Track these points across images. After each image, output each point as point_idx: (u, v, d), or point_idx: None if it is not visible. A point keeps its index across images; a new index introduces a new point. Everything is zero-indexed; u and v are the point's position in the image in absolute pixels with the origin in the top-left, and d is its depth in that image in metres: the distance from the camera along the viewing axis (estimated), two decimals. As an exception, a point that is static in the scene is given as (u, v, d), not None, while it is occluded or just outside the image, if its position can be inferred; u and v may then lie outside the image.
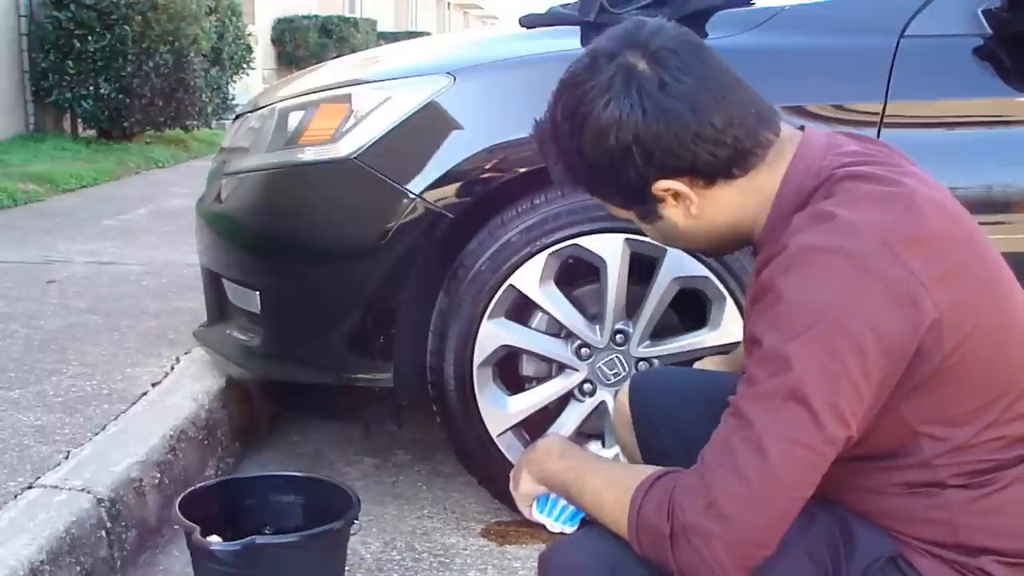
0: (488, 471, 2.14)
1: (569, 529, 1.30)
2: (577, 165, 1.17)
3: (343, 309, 2.14)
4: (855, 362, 1.01)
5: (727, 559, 1.03)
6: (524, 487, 1.32)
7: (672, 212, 1.17)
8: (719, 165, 1.12)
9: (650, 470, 1.14)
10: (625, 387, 1.56)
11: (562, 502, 1.32)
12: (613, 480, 1.17)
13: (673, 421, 1.44)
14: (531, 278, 2.04)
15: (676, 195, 1.15)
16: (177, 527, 1.73)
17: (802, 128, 1.19)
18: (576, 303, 2.09)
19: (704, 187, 1.14)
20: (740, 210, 1.16)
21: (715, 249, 1.28)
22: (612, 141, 1.11)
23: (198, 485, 1.89)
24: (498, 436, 2.11)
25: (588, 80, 1.12)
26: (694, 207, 1.16)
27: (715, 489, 1.03)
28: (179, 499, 1.73)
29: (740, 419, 1.05)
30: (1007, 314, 1.10)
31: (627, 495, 1.11)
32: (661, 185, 1.14)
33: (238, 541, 1.60)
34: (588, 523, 1.25)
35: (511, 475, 1.36)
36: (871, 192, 1.07)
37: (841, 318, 1.01)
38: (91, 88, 7.28)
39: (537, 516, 1.33)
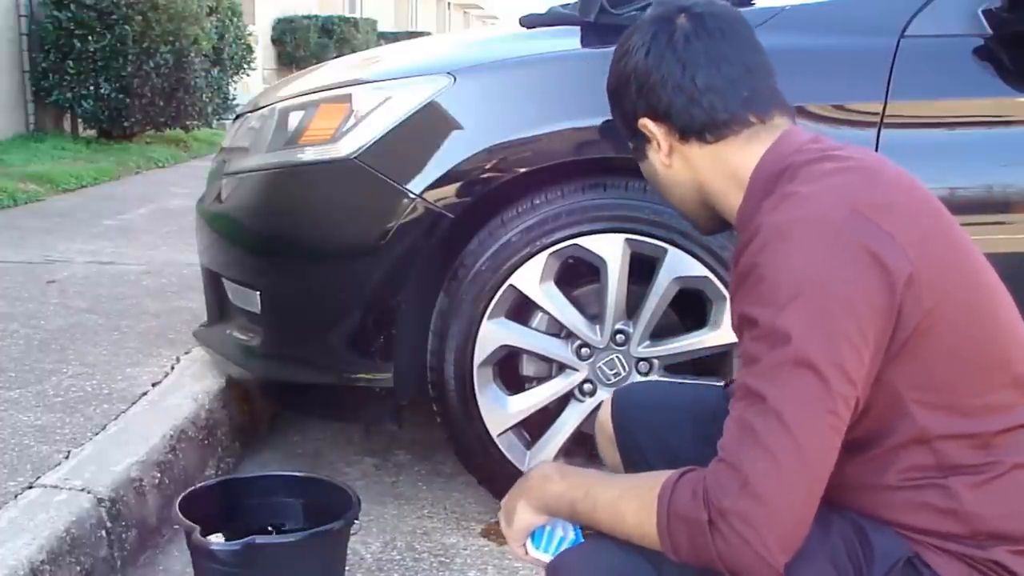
0: (488, 471, 2.14)
1: None
2: (609, 80, 1.32)
3: (343, 309, 2.14)
4: (849, 321, 1.03)
5: (772, 540, 1.02)
6: (521, 520, 1.27)
7: (653, 156, 1.29)
8: (692, 124, 1.22)
9: (668, 472, 1.12)
10: (606, 404, 1.56)
11: (559, 534, 1.27)
12: (631, 486, 1.16)
13: (656, 435, 1.45)
14: (531, 278, 2.04)
15: (658, 139, 1.26)
16: (177, 527, 1.73)
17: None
18: (576, 303, 2.09)
19: (679, 141, 1.25)
20: (708, 177, 1.25)
21: (688, 211, 1.34)
22: (621, 67, 1.28)
23: (198, 485, 1.89)
24: (498, 436, 2.11)
25: (642, 21, 1.29)
26: (664, 155, 1.26)
27: (746, 468, 1.03)
28: (179, 499, 1.73)
29: (752, 397, 1.05)
30: (977, 287, 1.13)
31: (652, 495, 1.10)
32: (643, 122, 1.26)
33: (238, 541, 1.60)
34: (594, 537, 1.21)
35: (501, 513, 1.32)
36: (833, 168, 1.13)
37: (826, 282, 1.04)
38: (91, 88, 7.28)
39: (533, 553, 1.29)
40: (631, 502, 1.13)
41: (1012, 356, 1.13)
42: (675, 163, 1.27)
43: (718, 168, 1.24)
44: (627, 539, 1.14)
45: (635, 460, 1.47)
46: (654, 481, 1.11)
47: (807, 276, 1.04)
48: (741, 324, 1.11)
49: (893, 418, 1.10)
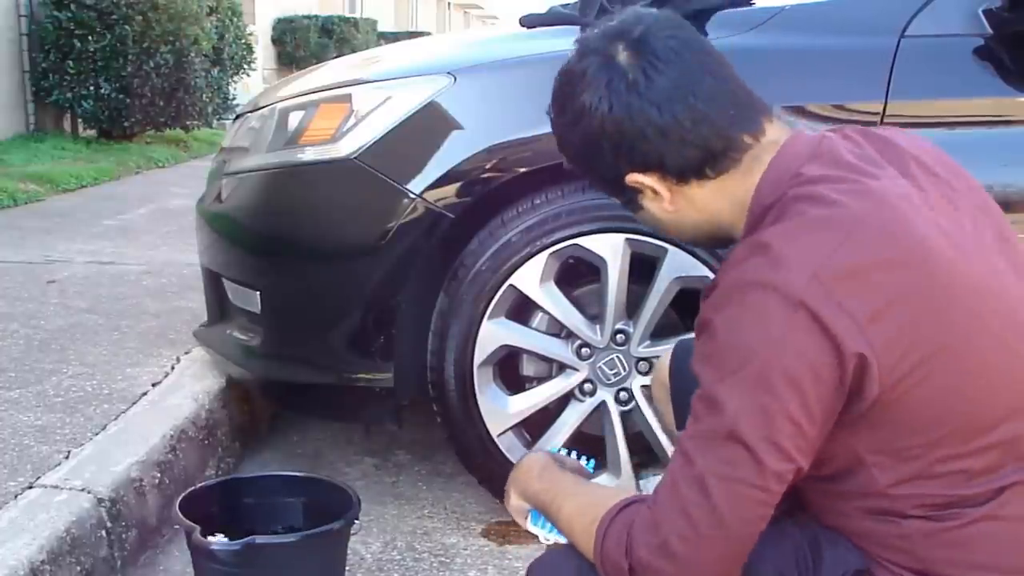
0: (488, 471, 2.14)
1: (563, 541, 1.30)
2: (566, 148, 1.20)
3: (343, 309, 2.14)
4: (790, 397, 1.00)
5: None
6: (513, 502, 1.35)
7: (650, 205, 1.19)
8: (689, 165, 1.12)
9: (616, 498, 1.14)
10: (666, 355, 1.55)
11: None
12: (581, 509, 1.19)
13: None
14: (531, 278, 2.04)
15: (654, 189, 1.16)
16: (177, 527, 1.73)
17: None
18: (576, 303, 2.09)
19: (677, 184, 1.14)
20: (716, 210, 1.16)
21: (703, 243, 1.28)
22: (584, 129, 1.14)
23: (198, 485, 1.89)
24: (498, 436, 2.11)
25: (575, 66, 1.15)
26: (667, 203, 1.16)
27: (665, 529, 1.05)
28: (179, 499, 1.73)
29: (684, 457, 1.06)
30: (968, 344, 1.03)
31: (593, 527, 1.13)
32: (633, 178, 1.15)
33: (238, 541, 1.60)
34: None
35: (505, 488, 1.38)
36: (815, 218, 1.04)
37: (773, 356, 1.00)
38: (91, 88, 7.27)
39: (531, 527, 1.35)
40: (578, 525, 1.17)
41: (999, 417, 1.04)
42: (680, 206, 1.16)
43: (723, 201, 1.15)
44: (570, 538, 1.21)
45: (687, 414, 1.46)
46: (599, 509, 1.13)
47: (753, 349, 1.01)
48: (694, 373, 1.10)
49: (852, 471, 1.08)
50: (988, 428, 1.05)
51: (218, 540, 1.62)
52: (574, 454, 1.46)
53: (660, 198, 1.16)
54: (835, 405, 1.02)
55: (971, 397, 1.04)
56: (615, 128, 1.11)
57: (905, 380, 1.01)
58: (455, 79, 2.06)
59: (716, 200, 1.15)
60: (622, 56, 1.11)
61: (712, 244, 1.27)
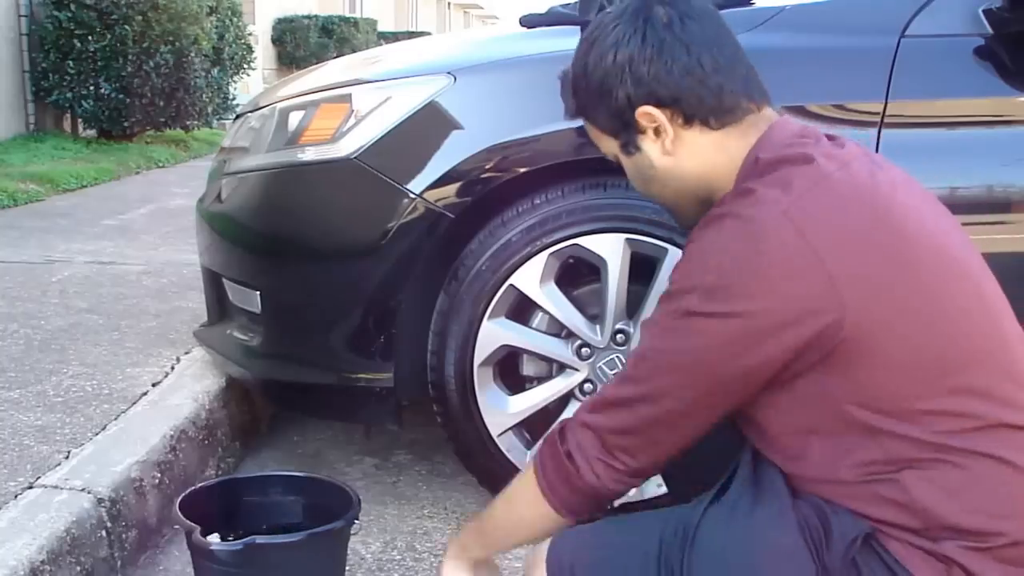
0: (488, 471, 2.14)
1: None
2: (580, 82, 1.28)
3: (343, 309, 2.14)
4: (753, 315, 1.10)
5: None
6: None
7: (650, 146, 1.25)
8: (699, 107, 1.21)
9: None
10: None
11: None
12: (505, 493, 1.38)
13: None
14: (531, 278, 2.04)
15: (656, 129, 1.23)
16: (177, 527, 1.73)
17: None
18: (576, 303, 2.09)
19: (682, 126, 1.23)
20: (709, 164, 1.23)
21: (681, 207, 1.32)
22: (611, 59, 1.23)
23: (199, 485, 1.89)
24: (498, 436, 2.11)
25: (612, 11, 1.27)
26: (669, 141, 1.23)
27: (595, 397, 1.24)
28: (179, 499, 1.73)
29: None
30: (931, 294, 1.10)
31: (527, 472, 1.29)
32: (644, 110, 1.22)
33: (238, 541, 1.59)
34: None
35: None
36: (789, 172, 1.14)
37: (731, 284, 1.10)
38: (91, 88, 7.28)
39: None
40: (509, 490, 1.36)
41: (966, 360, 1.10)
42: (678, 151, 1.24)
43: (718, 156, 1.22)
44: (528, 530, 1.33)
45: None
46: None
47: (725, 268, 1.11)
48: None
49: (843, 431, 1.12)
50: (957, 370, 1.09)
51: (217, 540, 1.62)
52: None
53: (661, 140, 1.24)
54: (794, 342, 1.09)
55: (940, 341, 1.10)
56: (643, 59, 1.20)
57: (868, 318, 1.08)
58: (455, 79, 2.06)
59: (712, 153, 1.23)
60: (658, 8, 1.22)
61: (686, 211, 1.31)
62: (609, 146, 1.31)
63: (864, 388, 1.09)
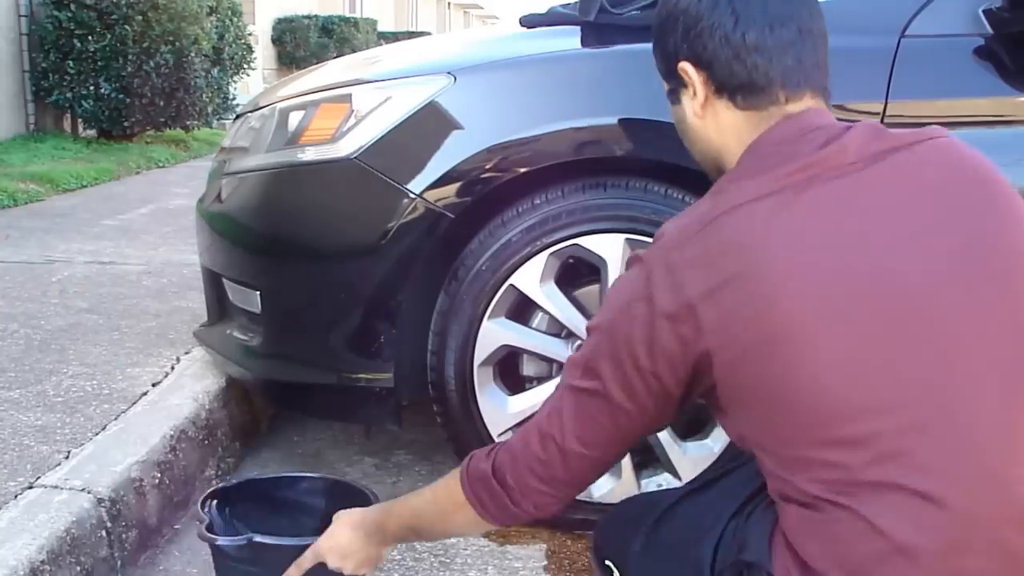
0: (488, 471, 2.14)
1: None
2: (656, 14, 1.28)
3: (343, 309, 2.14)
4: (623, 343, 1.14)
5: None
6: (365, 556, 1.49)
7: (687, 103, 1.25)
8: (730, 80, 1.19)
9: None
10: None
11: None
12: (429, 490, 1.43)
13: None
14: (531, 278, 2.04)
15: (695, 88, 1.22)
16: (178, 527, 1.73)
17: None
18: (576, 303, 2.09)
19: (714, 94, 1.21)
20: (723, 144, 1.22)
21: (706, 169, 1.31)
22: (672, 4, 1.23)
23: (219, 484, 1.88)
24: (499, 436, 2.11)
25: None
26: (699, 107, 1.22)
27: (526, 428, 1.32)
28: (203, 496, 1.71)
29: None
30: (800, 335, 1.03)
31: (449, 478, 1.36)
32: (684, 66, 1.22)
33: (242, 536, 1.59)
34: None
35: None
36: (709, 198, 1.15)
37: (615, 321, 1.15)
38: (91, 88, 7.28)
39: None
40: (433, 491, 1.41)
41: (851, 413, 1.03)
42: (707, 116, 1.22)
43: (732, 141, 1.21)
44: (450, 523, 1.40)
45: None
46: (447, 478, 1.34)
47: (614, 305, 1.17)
48: None
49: (757, 455, 1.14)
50: (841, 422, 1.03)
51: (227, 539, 1.62)
52: None
53: (696, 100, 1.22)
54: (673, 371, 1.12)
55: (811, 388, 1.03)
56: (694, 15, 1.19)
57: (739, 362, 1.07)
58: (455, 79, 2.06)
59: (730, 131, 1.21)
60: None
61: (712, 175, 1.28)
62: (665, 86, 1.31)
63: (759, 428, 1.10)
